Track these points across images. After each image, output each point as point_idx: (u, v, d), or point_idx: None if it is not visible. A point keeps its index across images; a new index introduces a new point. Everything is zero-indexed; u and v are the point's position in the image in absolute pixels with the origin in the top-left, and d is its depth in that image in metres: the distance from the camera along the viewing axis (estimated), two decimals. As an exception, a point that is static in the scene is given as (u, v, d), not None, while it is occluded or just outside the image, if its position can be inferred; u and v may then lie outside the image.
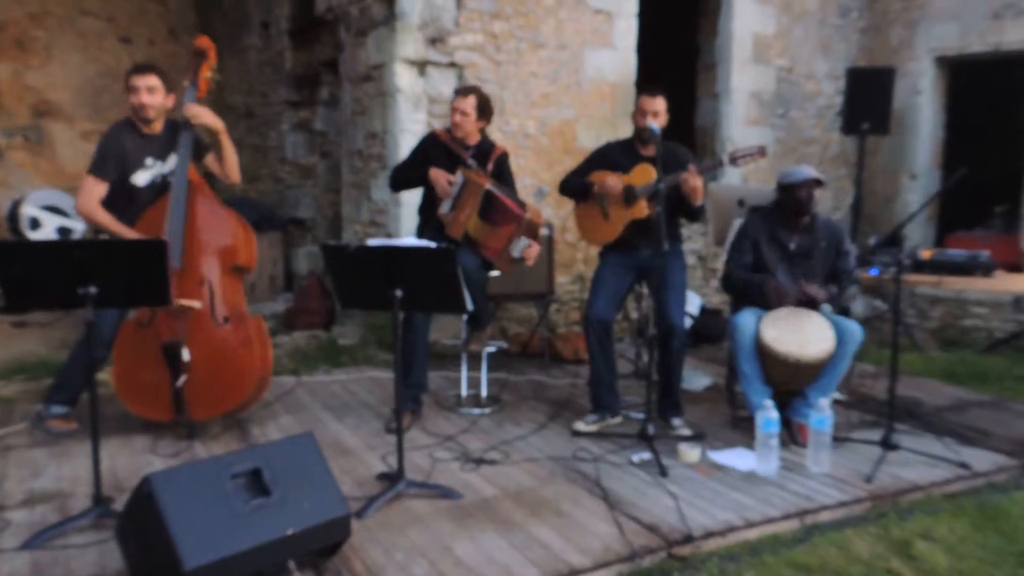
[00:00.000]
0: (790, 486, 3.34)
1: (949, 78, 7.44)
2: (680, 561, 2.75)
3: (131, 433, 3.81)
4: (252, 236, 3.94)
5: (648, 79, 4.70)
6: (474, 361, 4.62)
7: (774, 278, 3.88)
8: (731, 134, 6.89)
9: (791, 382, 3.82)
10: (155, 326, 3.71)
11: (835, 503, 3.19)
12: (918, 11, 7.28)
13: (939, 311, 6.23)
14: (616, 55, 6.16)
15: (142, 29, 8.82)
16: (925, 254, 6.21)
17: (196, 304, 3.70)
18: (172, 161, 3.83)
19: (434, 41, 5.49)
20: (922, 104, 7.34)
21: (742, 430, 3.97)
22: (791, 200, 3.90)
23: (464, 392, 4.56)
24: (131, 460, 3.53)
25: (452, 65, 5.57)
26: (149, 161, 3.81)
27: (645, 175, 3.93)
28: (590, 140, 5.85)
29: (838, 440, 3.69)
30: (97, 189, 3.70)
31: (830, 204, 7.40)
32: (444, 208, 4.02)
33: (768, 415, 3.47)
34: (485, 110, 4.15)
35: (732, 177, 6.70)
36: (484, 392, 4.55)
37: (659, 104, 3.91)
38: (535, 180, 5.87)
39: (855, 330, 3.75)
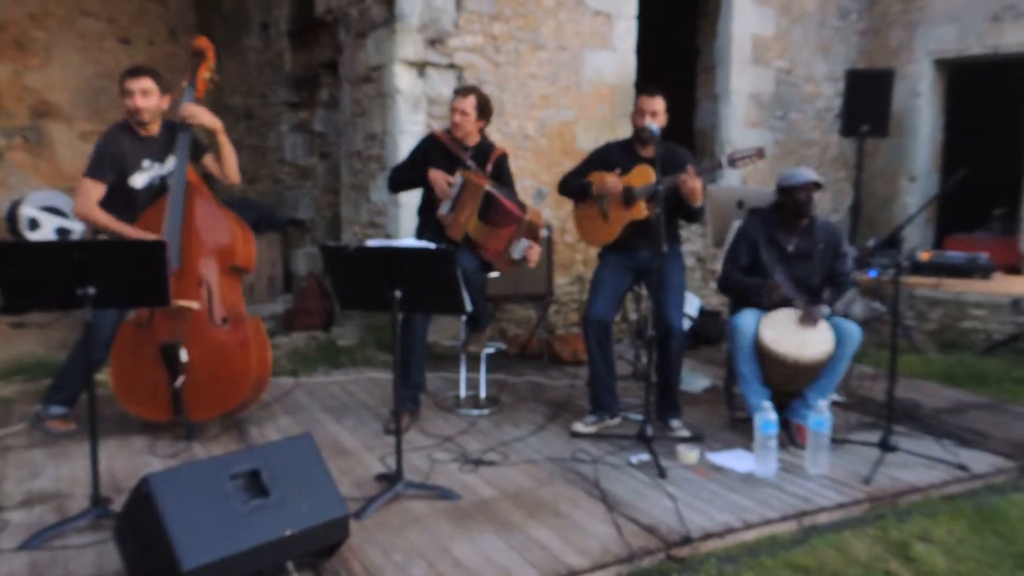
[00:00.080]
0: (788, 488, 3.34)
1: (948, 80, 7.45)
2: (678, 562, 2.76)
3: (129, 434, 3.81)
4: (250, 237, 3.94)
5: (647, 81, 4.70)
6: (473, 362, 4.62)
7: (770, 279, 3.88)
8: (730, 136, 6.89)
9: (790, 383, 3.82)
10: (153, 327, 3.71)
11: (833, 505, 3.19)
12: (917, 13, 7.28)
13: (938, 313, 6.24)
14: (615, 57, 6.17)
15: (142, 30, 8.82)
16: (924, 256, 6.21)
17: (194, 305, 3.70)
18: (170, 162, 3.83)
19: (433, 42, 5.49)
20: (921, 106, 7.35)
21: (741, 431, 3.98)
22: (790, 202, 3.90)
23: (463, 393, 4.56)
24: (129, 461, 3.53)
25: (452, 66, 5.57)
26: (146, 163, 3.81)
27: (644, 176, 3.94)
28: (589, 141, 5.85)
29: (836, 442, 3.69)
30: (94, 191, 3.70)
31: (829, 206, 7.40)
32: (443, 209, 4.02)
33: (767, 416, 3.47)
34: (485, 110, 4.15)
35: (731, 179, 6.71)
36: (483, 393, 4.55)
37: (658, 104, 3.91)
38: (534, 181, 5.88)
39: (854, 332, 3.75)
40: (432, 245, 3.21)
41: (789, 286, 3.87)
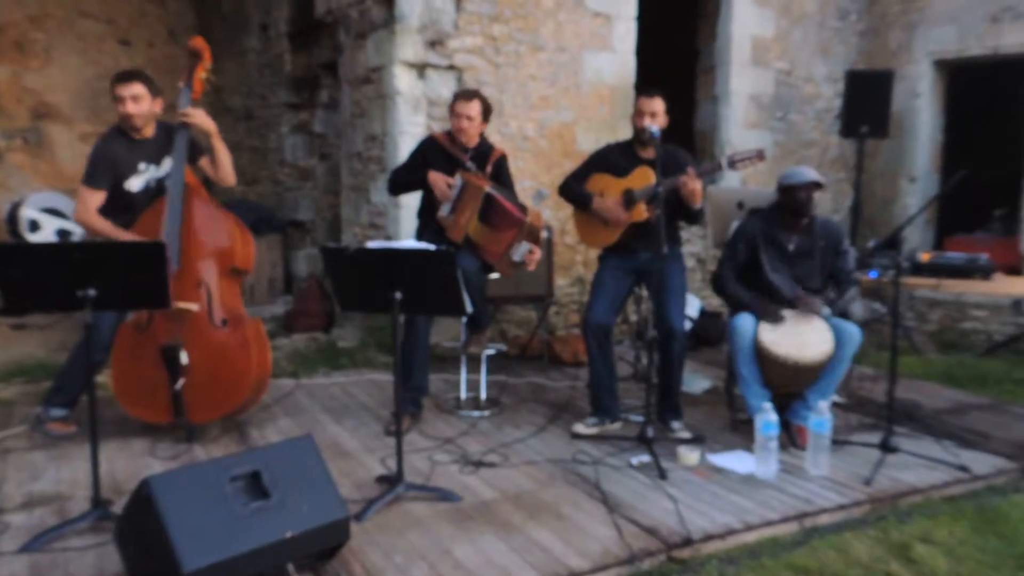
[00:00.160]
0: (789, 489, 3.34)
1: (948, 81, 7.45)
2: (679, 564, 2.75)
3: (130, 436, 3.81)
4: (249, 238, 3.93)
5: (647, 82, 4.71)
6: (473, 363, 4.62)
7: (760, 297, 3.88)
8: (730, 137, 6.89)
9: (790, 385, 3.82)
10: (153, 329, 3.71)
11: (834, 506, 3.19)
12: (917, 14, 7.28)
13: (938, 314, 6.24)
14: (615, 58, 6.17)
15: (141, 31, 8.82)
16: (924, 257, 6.20)
17: (193, 307, 3.70)
18: (166, 164, 3.83)
19: (433, 44, 5.49)
20: (921, 107, 7.35)
21: (741, 433, 3.98)
22: (791, 201, 3.90)
23: (463, 395, 4.56)
24: (130, 463, 3.53)
25: (451, 68, 5.57)
26: (142, 166, 3.80)
27: (644, 178, 3.94)
28: (589, 143, 5.85)
29: (837, 443, 3.69)
30: (93, 199, 3.71)
31: (829, 207, 7.40)
32: (444, 211, 4.01)
33: (767, 418, 3.47)
34: (487, 113, 4.16)
35: (731, 180, 6.70)
36: (483, 395, 4.55)
37: (657, 105, 3.91)
38: (534, 182, 5.88)
39: (854, 333, 3.75)
40: (432, 246, 3.21)
41: (787, 281, 3.87)
